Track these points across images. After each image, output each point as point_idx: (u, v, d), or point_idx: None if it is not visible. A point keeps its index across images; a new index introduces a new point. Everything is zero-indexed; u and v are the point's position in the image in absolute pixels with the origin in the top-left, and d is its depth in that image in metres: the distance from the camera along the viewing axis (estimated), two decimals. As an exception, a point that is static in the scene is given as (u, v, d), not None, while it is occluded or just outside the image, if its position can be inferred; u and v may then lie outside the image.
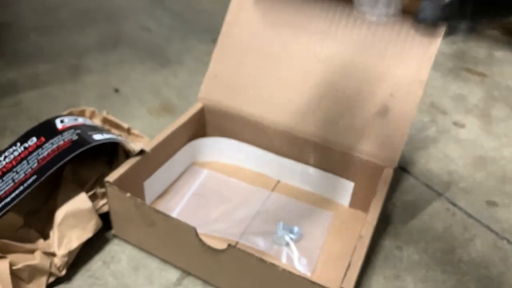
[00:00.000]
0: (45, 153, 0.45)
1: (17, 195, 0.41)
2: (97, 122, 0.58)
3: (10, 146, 0.48)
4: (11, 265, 0.40)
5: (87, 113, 0.58)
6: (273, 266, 0.38)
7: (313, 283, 0.37)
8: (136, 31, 0.96)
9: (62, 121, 0.50)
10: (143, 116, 0.69)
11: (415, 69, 0.50)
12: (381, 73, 0.51)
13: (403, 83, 0.50)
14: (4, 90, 0.72)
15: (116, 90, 0.75)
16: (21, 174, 0.43)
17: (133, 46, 0.89)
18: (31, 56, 0.83)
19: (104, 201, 0.48)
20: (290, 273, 0.38)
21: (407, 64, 0.50)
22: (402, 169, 0.64)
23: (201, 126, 0.59)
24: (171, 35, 0.95)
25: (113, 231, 0.49)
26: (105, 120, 0.58)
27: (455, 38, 1.09)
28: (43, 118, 0.66)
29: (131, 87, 0.76)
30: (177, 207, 0.53)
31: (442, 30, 0.49)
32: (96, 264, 0.47)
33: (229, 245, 0.40)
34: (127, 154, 0.53)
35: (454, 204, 0.59)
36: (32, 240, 0.44)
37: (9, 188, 0.42)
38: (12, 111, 0.68)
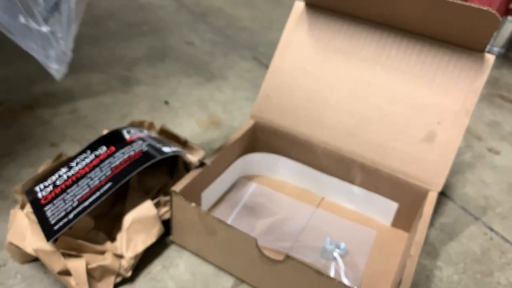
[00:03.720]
0: (117, 162, 0.49)
1: (94, 200, 0.45)
2: (154, 132, 0.62)
3: (81, 153, 0.52)
4: (86, 264, 0.44)
5: (146, 124, 0.62)
6: (330, 279, 0.41)
7: (369, 296, 0.40)
8: (181, 45, 1.00)
9: (128, 132, 0.54)
10: (192, 128, 0.73)
11: (462, 99, 0.52)
12: (428, 101, 0.54)
13: (450, 112, 0.53)
14: (62, 97, 0.77)
15: (166, 102, 0.79)
16: (95, 181, 0.47)
17: (179, 60, 0.94)
18: (84, 66, 0.87)
19: (166, 208, 0.51)
20: (346, 286, 0.41)
21: (454, 94, 0.53)
22: (440, 192, 0.66)
23: (251, 142, 0.62)
24: (214, 51, 0.99)
25: (171, 237, 0.53)
26: (162, 131, 0.62)
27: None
28: (99, 126, 0.71)
29: (179, 100, 0.80)
30: (230, 218, 0.56)
31: (490, 63, 0.52)
32: (156, 268, 0.50)
33: (287, 256, 0.43)
34: (186, 165, 0.56)
35: (491, 229, 0.61)
36: (100, 242, 0.48)
37: (86, 193, 0.46)
38: (71, 118, 0.72)
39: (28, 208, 0.48)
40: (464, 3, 0.46)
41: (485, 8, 0.45)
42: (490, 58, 0.52)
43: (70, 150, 0.65)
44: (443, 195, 0.66)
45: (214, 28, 1.11)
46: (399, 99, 0.55)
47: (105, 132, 0.58)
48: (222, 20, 1.16)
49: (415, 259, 0.44)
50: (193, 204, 0.47)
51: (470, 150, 0.77)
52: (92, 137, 0.68)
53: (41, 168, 0.53)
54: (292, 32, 0.61)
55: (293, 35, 0.61)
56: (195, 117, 0.76)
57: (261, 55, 0.95)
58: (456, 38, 0.52)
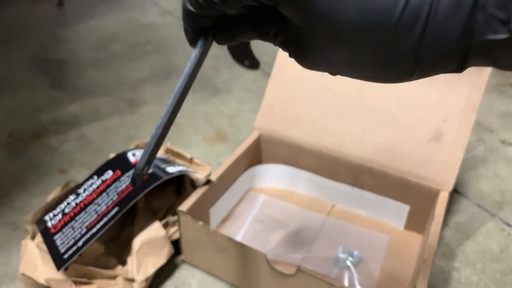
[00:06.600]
0: (123, 186, 0.49)
1: (102, 226, 0.45)
2: (160, 152, 0.62)
3: (88, 179, 0.53)
4: (98, 290, 0.44)
5: (151, 145, 0.62)
6: (342, 290, 0.40)
7: (383, 306, 0.39)
8: (185, 62, 1.00)
9: (134, 155, 0.54)
10: (199, 144, 0.73)
11: (467, 95, 0.51)
12: (433, 100, 0.53)
13: (456, 109, 0.52)
14: (70, 124, 0.78)
15: (172, 120, 0.79)
16: (103, 206, 0.48)
17: (183, 77, 0.94)
18: (90, 90, 0.88)
19: (175, 228, 0.51)
20: (358, 296, 0.40)
21: (458, 91, 0.52)
22: (453, 190, 0.65)
23: (258, 154, 0.62)
24: (218, 65, 0.99)
25: (182, 257, 0.53)
26: (168, 150, 0.62)
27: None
28: (107, 150, 0.71)
29: (185, 116, 0.80)
30: (239, 233, 0.56)
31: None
32: (169, 288, 0.50)
33: (298, 270, 0.42)
34: (192, 183, 0.56)
35: (509, 224, 0.60)
36: (111, 267, 0.48)
37: (94, 220, 0.46)
38: (78, 144, 0.73)
39: (39, 238, 0.48)
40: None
41: None
42: (491, 52, 0.51)
43: (79, 175, 0.65)
44: (457, 192, 0.65)
45: (216, 41, 1.11)
46: (404, 101, 0.54)
47: (111, 156, 0.58)
48: (223, 33, 1.16)
49: (429, 263, 0.43)
50: (201, 223, 0.47)
51: (482, 143, 0.76)
52: (100, 161, 0.68)
53: (51, 196, 0.54)
54: (289, 41, 0.60)
55: (290, 44, 0.60)
56: (201, 133, 0.76)
57: (265, 65, 0.95)
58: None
